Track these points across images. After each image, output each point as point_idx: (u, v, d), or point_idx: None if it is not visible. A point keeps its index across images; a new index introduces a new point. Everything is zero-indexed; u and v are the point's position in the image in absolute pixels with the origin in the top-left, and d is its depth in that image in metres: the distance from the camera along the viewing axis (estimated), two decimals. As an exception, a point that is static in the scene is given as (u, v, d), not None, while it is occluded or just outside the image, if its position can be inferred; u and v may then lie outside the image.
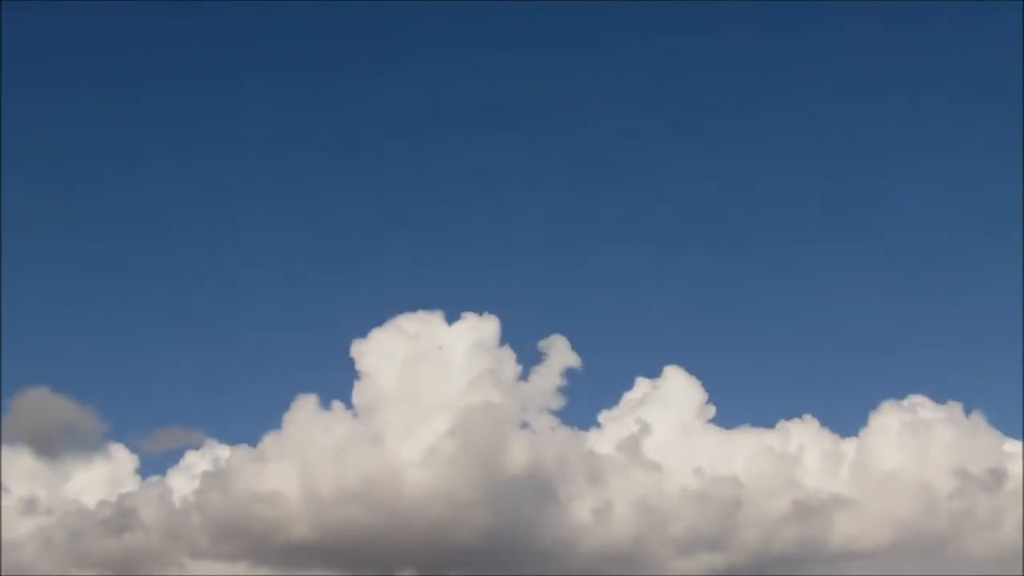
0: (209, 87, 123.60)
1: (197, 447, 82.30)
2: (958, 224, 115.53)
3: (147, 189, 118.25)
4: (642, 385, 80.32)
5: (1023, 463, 76.42)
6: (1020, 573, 71.82)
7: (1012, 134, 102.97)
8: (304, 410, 76.13)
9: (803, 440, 78.24)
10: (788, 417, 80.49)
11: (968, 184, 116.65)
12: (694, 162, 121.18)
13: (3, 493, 76.83)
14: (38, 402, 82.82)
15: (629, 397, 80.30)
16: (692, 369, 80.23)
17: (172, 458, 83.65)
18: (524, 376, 76.91)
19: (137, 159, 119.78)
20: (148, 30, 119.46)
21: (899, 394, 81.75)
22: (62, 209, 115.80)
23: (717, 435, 79.26)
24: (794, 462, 77.56)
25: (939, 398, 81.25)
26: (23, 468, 79.57)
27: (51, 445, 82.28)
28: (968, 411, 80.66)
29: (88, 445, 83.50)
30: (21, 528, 76.38)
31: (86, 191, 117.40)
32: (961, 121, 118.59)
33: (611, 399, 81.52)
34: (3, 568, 73.29)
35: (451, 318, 77.06)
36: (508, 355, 76.04)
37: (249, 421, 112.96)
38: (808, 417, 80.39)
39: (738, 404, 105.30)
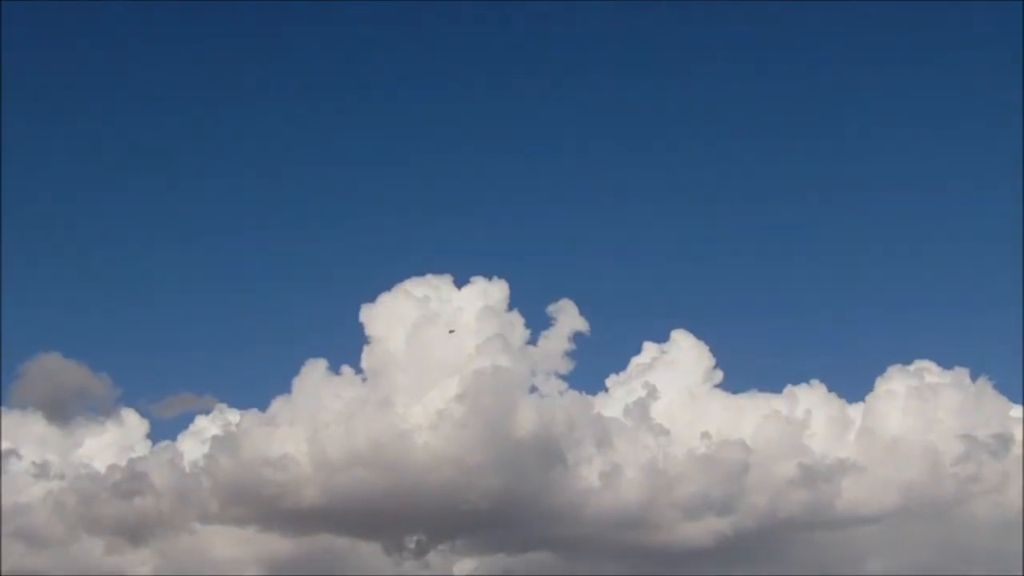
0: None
1: (207, 412, 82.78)
2: (965, 193, 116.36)
3: (156, 156, 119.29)
4: (650, 349, 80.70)
5: None
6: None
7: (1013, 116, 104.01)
8: (313, 374, 76.50)
9: (810, 405, 78.44)
10: (795, 382, 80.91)
11: (973, 157, 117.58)
12: (703, 129, 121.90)
13: (15, 458, 77.41)
14: (50, 368, 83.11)
15: (637, 361, 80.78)
16: (700, 333, 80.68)
17: (183, 423, 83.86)
18: (533, 340, 77.25)
19: (143, 125, 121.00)
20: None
21: (906, 359, 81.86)
22: (73, 178, 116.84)
23: (724, 399, 79.67)
24: (801, 427, 77.82)
25: (945, 363, 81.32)
26: (35, 433, 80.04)
27: (63, 410, 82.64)
28: (974, 376, 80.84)
29: (100, 410, 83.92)
30: (33, 492, 76.83)
31: (96, 161, 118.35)
32: (966, 95, 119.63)
33: (619, 363, 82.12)
34: (15, 531, 74.12)
35: (460, 282, 77.28)
36: (517, 319, 76.30)
37: (259, 386, 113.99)
38: (815, 382, 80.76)
39: (746, 368, 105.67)
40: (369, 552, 77.39)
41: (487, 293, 75.53)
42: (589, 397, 78.91)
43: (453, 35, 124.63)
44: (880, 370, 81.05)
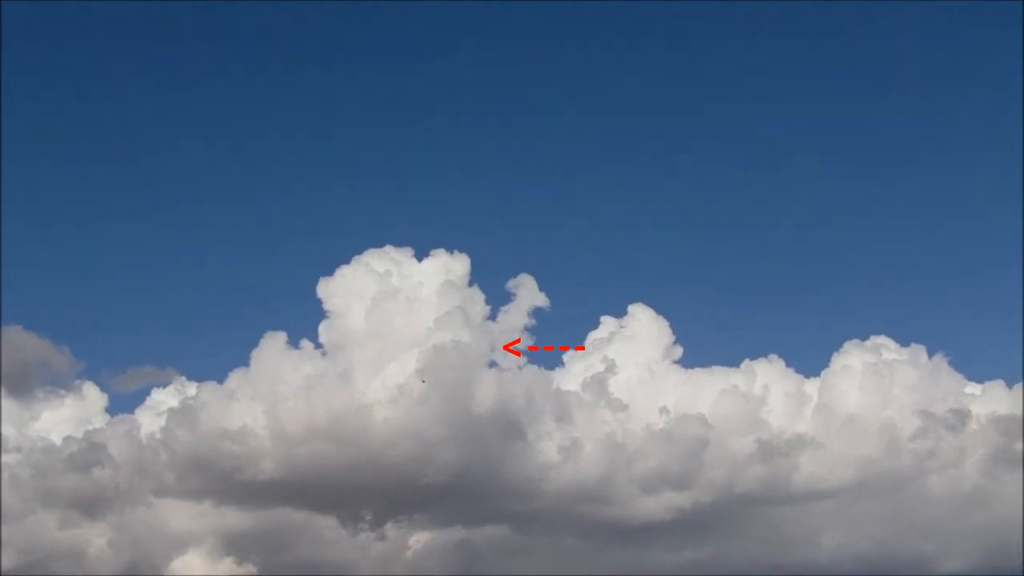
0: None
1: (165, 385, 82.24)
2: (921, 171, 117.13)
3: (114, 132, 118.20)
4: (608, 323, 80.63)
5: None
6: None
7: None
8: (272, 347, 75.83)
9: (768, 380, 78.73)
10: (753, 357, 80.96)
11: (934, 133, 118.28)
12: (661, 104, 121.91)
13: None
14: (11, 341, 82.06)
15: (595, 336, 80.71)
16: (658, 308, 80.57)
17: (142, 396, 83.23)
18: (492, 316, 76.99)
19: (103, 101, 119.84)
20: None
21: (862, 335, 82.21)
22: (31, 152, 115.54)
23: (683, 374, 79.90)
24: (759, 402, 78.03)
25: (902, 340, 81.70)
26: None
27: (23, 384, 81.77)
28: (931, 353, 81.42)
29: (61, 384, 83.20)
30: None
31: (55, 135, 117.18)
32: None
33: (578, 338, 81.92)
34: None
35: (421, 255, 76.74)
36: (477, 294, 75.94)
37: (217, 359, 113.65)
38: (773, 357, 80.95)
39: (704, 343, 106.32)
40: (325, 526, 77.39)
41: (448, 268, 75.22)
42: (548, 372, 79.07)
43: (416, 7, 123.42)
44: (837, 346, 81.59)
